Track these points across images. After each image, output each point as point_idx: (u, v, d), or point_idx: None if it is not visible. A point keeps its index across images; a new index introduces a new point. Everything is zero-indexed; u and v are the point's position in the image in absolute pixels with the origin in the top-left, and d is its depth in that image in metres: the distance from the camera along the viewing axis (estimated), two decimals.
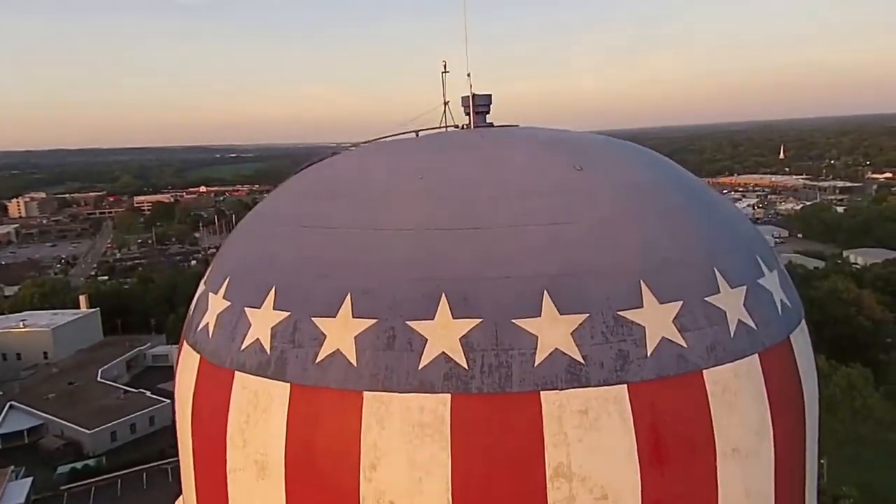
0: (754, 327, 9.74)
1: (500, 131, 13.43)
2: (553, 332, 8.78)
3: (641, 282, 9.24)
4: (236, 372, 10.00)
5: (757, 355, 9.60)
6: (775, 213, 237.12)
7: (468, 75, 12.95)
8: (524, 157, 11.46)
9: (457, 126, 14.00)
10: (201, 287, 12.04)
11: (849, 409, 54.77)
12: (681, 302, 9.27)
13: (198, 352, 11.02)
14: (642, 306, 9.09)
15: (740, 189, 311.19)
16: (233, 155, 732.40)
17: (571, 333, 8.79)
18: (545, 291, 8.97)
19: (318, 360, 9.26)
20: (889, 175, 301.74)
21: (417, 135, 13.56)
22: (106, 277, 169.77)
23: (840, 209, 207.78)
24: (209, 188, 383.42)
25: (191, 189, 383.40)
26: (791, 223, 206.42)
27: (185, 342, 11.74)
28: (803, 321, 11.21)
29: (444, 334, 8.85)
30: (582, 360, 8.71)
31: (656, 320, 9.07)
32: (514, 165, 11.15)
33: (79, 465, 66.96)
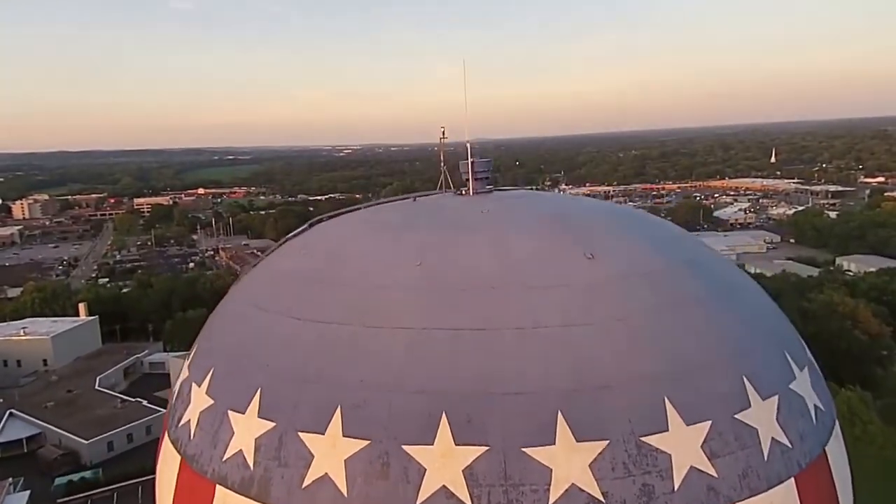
0: (789, 445, 8.77)
1: (502, 203, 12.50)
2: (569, 463, 7.79)
3: (665, 399, 8.25)
4: (217, 486, 9.09)
5: (793, 479, 8.63)
6: (767, 218, 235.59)
7: (467, 143, 12.14)
8: (530, 241, 10.49)
9: (457, 191, 13.12)
10: (184, 371, 11.14)
11: (850, 435, 53.36)
12: (709, 422, 8.29)
13: (178, 452, 10.13)
14: (668, 430, 8.09)
15: (732, 193, 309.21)
16: (230, 157, 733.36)
17: (590, 465, 7.79)
18: (559, 413, 7.98)
19: (305, 484, 8.32)
20: (881, 179, 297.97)
21: (415, 199, 12.74)
22: (106, 279, 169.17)
23: (833, 214, 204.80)
24: (207, 190, 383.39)
25: (189, 191, 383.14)
26: (783, 228, 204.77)
27: (166, 434, 10.87)
28: (837, 423, 10.25)
29: (444, 464, 7.85)
30: (602, 498, 7.72)
31: (683, 446, 8.08)
32: (519, 251, 10.18)
33: (76, 477, 66.45)
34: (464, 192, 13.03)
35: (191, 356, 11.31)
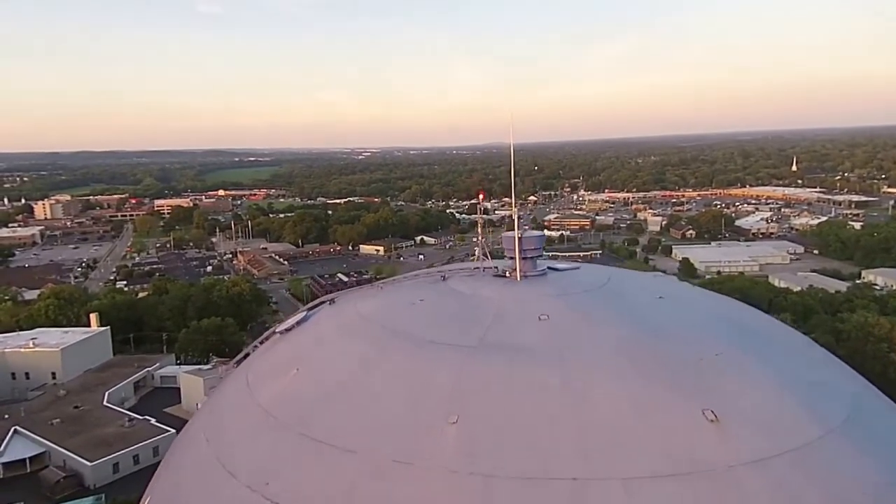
0: None
1: (566, 303, 9.04)
2: None
3: None
4: None
5: None
6: (789, 228, 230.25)
7: (516, 218, 9.50)
8: (620, 387, 7.08)
9: (499, 272, 10.10)
10: None
11: None
12: None
13: None
14: None
15: (753, 201, 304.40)
16: (251, 158, 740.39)
17: None
18: None
19: None
20: None
21: (444, 278, 10.34)
22: (124, 283, 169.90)
23: (857, 225, 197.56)
24: (227, 192, 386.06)
25: (210, 192, 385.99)
26: (806, 239, 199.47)
27: None
28: None
29: None
30: None
31: None
32: (605, 404, 6.88)
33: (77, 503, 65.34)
34: (508, 274, 9.92)
35: (148, 497, 9.21)
